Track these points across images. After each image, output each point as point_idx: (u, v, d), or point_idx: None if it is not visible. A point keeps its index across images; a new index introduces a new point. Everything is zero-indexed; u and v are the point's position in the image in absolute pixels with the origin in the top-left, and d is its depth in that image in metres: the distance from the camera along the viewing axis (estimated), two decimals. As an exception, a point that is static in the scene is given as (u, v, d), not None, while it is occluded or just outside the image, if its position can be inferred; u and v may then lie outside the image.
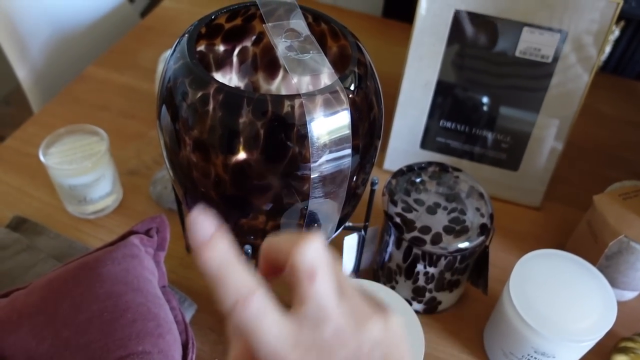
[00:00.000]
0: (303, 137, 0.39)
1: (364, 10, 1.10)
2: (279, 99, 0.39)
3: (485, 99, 0.69)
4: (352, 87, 0.42)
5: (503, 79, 0.68)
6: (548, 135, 0.69)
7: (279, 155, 0.40)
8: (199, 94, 0.40)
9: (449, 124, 0.72)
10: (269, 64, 0.56)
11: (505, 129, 0.70)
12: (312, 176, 0.41)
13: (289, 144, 0.39)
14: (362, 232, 0.58)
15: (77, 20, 0.99)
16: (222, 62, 0.54)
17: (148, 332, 0.47)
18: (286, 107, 0.39)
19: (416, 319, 0.50)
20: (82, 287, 0.48)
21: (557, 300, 0.51)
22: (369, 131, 0.44)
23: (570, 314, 0.50)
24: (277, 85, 0.57)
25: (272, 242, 0.29)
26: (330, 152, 0.40)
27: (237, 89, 0.39)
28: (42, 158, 0.63)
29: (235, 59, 0.54)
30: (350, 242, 0.59)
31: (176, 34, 0.94)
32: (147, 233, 0.56)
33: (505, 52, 0.66)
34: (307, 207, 0.44)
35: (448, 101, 0.70)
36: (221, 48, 0.52)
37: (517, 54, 0.65)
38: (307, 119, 0.39)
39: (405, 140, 0.74)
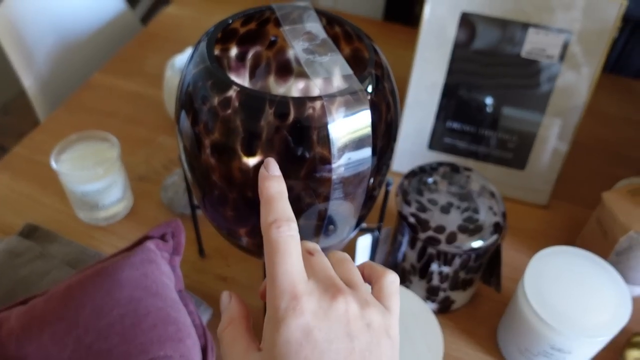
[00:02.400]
0: (324, 138, 0.39)
1: (365, 14, 1.11)
2: (300, 101, 0.39)
3: (491, 100, 0.70)
4: (369, 89, 0.42)
5: (509, 79, 0.68)
6: (554, 135, 0.70)
7: (300, 156, 0.40)
8: (221, 97, 0.40)
9: (455, 125, 0.72)
10: (281, 67, 0.56)
11: (512, 128, 0.71)
12: (332, 177, 0.41)
13: (310, 146, 0.40)
14: (376, 233, 0.58)
15: (80, 28, 1.00)
16: (236, 66, 0.54)
17: (169, 336, 0.48)
18: (308, 108, 0.39)
19: (434, 318, 0.51)
20: (102, 292, 0.48)
21: (572, 297, 0.51)
22: (386, 132, 0.44)
23: (586, 309, 0.51)
24: (288, 89, 0.57)
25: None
26: (351, 152, 0.41)
27: (258, 91, 0.40)
28: (53, 165, 0.63)
29: (248, 62, 0.54)
30: (364, 242, 0.60)
31: (180, 40, 0.95)
32: (163, 238, 0.57)
33: (511, 53, 0.66)
34: (327, 208, 0.44)
35: (454, 102, 0.71)
36: (235, 52, 0.53)
37: (523, 54, 0.66)
38: (329, 120, 0.39)
39: (412, 141, 0.74)
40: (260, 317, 0.60)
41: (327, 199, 0.43)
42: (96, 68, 0.94)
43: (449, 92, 0.70)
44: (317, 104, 0.39)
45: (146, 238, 0.56)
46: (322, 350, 0.28)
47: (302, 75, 0.58)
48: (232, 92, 0.40)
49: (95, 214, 0.67)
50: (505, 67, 0.68)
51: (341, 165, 0.41)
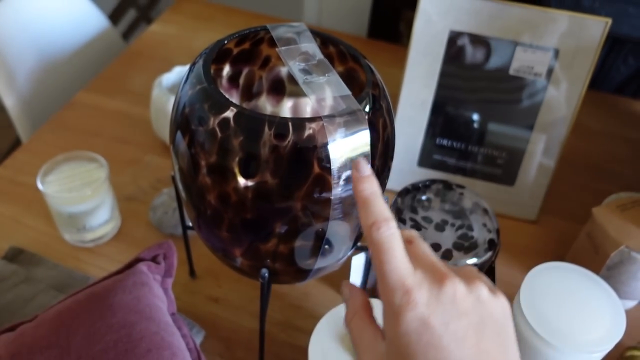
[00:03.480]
0: (324, 159, 0.39)
1: (349, 31, 1.11)
2: (300, 122, 0.39)
3: (479, 116, 0.71)
4: (367, 109, 0.42)
5: (498, 96, 0.69)
6: (541, 150, 0.71)
7: (300, 177, 0.40)
8: (219, 119, 0.40)
9: (445, 142, 0.73)
10: (274, 87, 0.56)
11: (501, 145, 0.72)
12: (332, 197, 0.41)
13: (310, 166, 0.39)
14: (370, 252, 0.58)
15: (61, 46, 0.98)
16: (228, 87, 0.54)
17: (164, 361, 0.46)
18: (307, 129, 0.39)
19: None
20: (94, 317, 0.47)
21: (567, 312, 0.52)
22: (384, 151, 0.44)
23: (582, 325, 0.51)
24: (282, 109, 0.57)
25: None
26: (350, 172, 0.40)
27: (257, 113, 0.39)
28: (40, 186, 0.62)
29: (241, 82, 0.54)
30: (358, 261, 0.59)
31: (165, 59, 0.95)
32: (154, 260, 0.56)
33: (500, 70, 0.67)
34: (326, 229, 0.44)
35: (444, 119, 0.71)
36: (228, 71, 0.53)
37: (511, 72, 0.67)
38: (328, 140, 0.39)
39: (402, 158, 0.75)
40: (255, 338, 0.59)
41: (326, 219, 0.43)
42: (79, 87, 0.93)
43: (438, 109, 0.71)
44: (317, 124, 0.39)
45: (137, 260, 0.55)
46: (440, 334, 0.31)
47: (294, 94, 0.58)
48: (229, 113, 0.39)
49: (83, 235, 0.66)
50: (494, 84, 0.68)
51: (341, 185, 0.41)
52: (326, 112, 0.40)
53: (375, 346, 0.34)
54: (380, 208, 0.34)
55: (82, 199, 0.62)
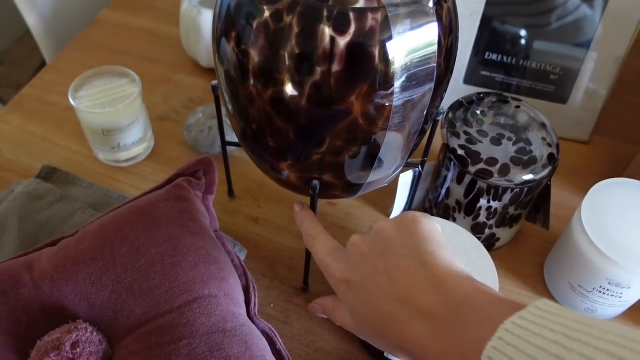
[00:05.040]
0: (387, 55, 0.36)
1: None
2: (362, 12, 0.35)
3: (532, 31, 0.66)
4: (431, 3, 0.38)
5: (554, 10, 0.64)
6: (599, 68, 0.66)
7: (362, 74, 0.36)
8: (271, 11, 0.36)
9: (495, 56, 0.68)
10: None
11: (554, 62, 0.67)
12: (393, 101, 0.38)
13: (372, 64, 0.36)
14: (418, 169, 0.55)
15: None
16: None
17: (211, 275, 0.45)
18: (370, 21, 0.35)
19: (486, 253, 0.48)
20: (139, 231, 0.45)
21: (631, 229, 0.49)
22: (446, 57, 0.40)
23: (647, 242, 0.48)
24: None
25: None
26: (415, 71, 0.37)
27: (314, 1, 0.35)
28: (72, 102, 0.59)
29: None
30: (405, 179, 0.56)
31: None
32: (194, 175, 0.53)
33: (559, -24, 0.62)
34: (381, 139, 0.41)
35: (493, 33, 0.66)
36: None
37: (572, -23, 0.61)
38: (393, 33, 0.35)
39: (447, 75, 0.70)
40: (297, 257, 0.58)
41: (382, 128, 0.40)
42: (103, 5, 0.88)
43: (487, 21, 0.66)
44: (380, 15, 0.35)
45: (178, 176, 0.53)
46: (359, 283, 0.38)
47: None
48: (284, 3, 0.35)
49: (117, 155, 0.64)
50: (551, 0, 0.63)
51: (403, 86, 0.37)
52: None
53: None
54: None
55: (116, 114, 0.59)
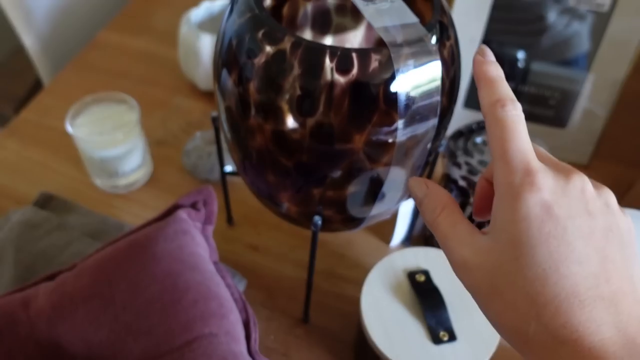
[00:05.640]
0: (390, 93, 0.35)
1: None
2: (365, 52, 0.35)
3: (531, 54, 0.66)
4: (433, 40, 0.38)
5: (553, 33, 0.64)
6: (598, 92, 0.66)
7: (364, 116, 0.36)
8: (273, 50, 0.36)
9: (494, 81, 0.68)
10: (320, 19, 0.51)
11: (553, 85, 0.67)
12: (397, 138, 0.37)
13: (375, 104, 0.36)
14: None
15: (80, -18, 0.93)
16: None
17: (211, 312, 0.44)
18: (373, 61, 0.35)
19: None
20: (137, 267, 0.45)
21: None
22: (450, 90, 0.40)
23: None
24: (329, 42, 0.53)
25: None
26: (419, 109, 0.37)
27: (318, 43, 0.35)
28: (69, 129, 0.59)
29: (284, 13, 0.49)
30: (406, 208, 0.56)
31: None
32: (194, 206, 0.53)
33: (558, 3, 0.62)
34: (384, 174, 0.40)
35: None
36: (270, 1, 0.48)
37: (571, 2, 0.61)
38: (396, 73, 0.35)
39: (447, 99, 0.70)
40: (298, 286, 0.57)
41: (386, 164, 0.39)
42: (100, 25, 0.88)
43: (488, 46, 0.66)
44: (383, 55, 0.35)
45: (177, 207, 0.52)
46: (564, 227, 0.27)
47: (340, 28, 0.53)
48: (287, 44, 0.35)
49: (115, 181, 0.63)
50: (550, 20, 0.63)
51: (407, 123, 0.37)
52: (395, 40, 0.35)
53: (475, 240, 0.29)
54: (506, 89, 0.30)
55: (114, 142, 0.59)
